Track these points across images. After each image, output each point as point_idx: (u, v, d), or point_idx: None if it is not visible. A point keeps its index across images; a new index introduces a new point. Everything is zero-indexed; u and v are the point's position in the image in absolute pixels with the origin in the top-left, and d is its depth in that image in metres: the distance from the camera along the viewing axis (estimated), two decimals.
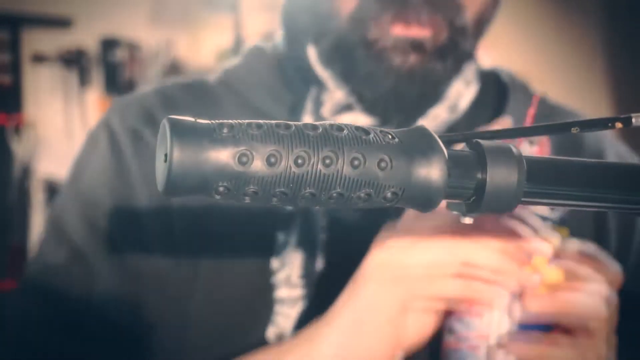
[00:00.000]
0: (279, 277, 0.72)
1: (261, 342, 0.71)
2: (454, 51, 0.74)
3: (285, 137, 0.38)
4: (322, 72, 0.76)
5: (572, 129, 0.48)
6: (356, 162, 0.39)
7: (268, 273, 0.73)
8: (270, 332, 0.72)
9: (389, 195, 0.40)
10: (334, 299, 0.69)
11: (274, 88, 0.80)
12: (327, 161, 0.38)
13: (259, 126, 0.38)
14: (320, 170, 0.38)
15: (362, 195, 0.39)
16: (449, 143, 0.43)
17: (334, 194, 0.39)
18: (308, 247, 0.73)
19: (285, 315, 0.72)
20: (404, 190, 0.40)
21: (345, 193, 0.39)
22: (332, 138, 0.39)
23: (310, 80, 0.77)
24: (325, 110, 0.76)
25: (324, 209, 0.74)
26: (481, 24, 0.77)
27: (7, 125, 2.85)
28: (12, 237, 2.83)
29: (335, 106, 0.76)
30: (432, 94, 0.76)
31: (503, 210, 0.42)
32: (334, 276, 0.71)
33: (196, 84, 0.82)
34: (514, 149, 0.42)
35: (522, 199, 0.42)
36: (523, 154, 0.42)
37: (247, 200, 0.39)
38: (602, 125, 0.48)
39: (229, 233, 0.74)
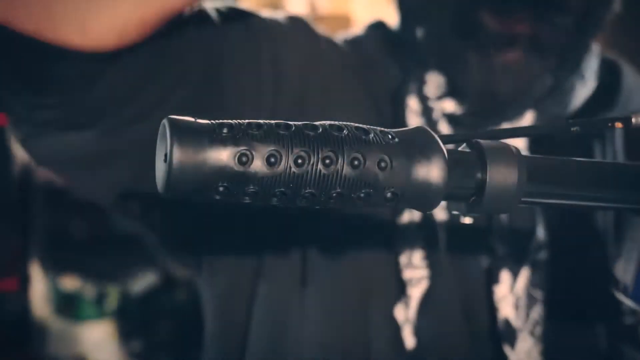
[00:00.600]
0: (402, 260, 0.73)
1: (390, 322, 0.73)
2: (554, 48, 0.73)
3: (285, 137, 0.38)
4: (427, 53, 0.77)
5: (572, 128, 0.48)
6: (356, 162, 0.39)
7: (392, 256, 0.74)
8: (399, 311, 0.73)
9: (388, 195, 0.40)
10: (461, 272, 0.72)
11: (385, 62, 0.81)
12: (327, 161, 0.38)
13: (259, 126, 0.38)
14: (320, 170, 0.38)
15: (362, 195, 0.39)
16: (449, 143, 0.43)
17: (334, 194, 0.39)
18: (428, 229, 0.74)
19: (410, 295, 0.73)
20: (403, 190, 0.40)
21: (345, 193, 0.39)
22: (332, 138, 0.39)
23: (416, 59, 0.78)
24: (429, 90, 0.77)
25: None
26: (590, 20, 0.75)
27: (7, 125, 2.84)
28: (12, 238, 2.84)
29: (438, 88, 0.77)
30: (526, 91, 0.75)
31: (503, 211, 0.42)
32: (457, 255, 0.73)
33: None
34: (513, 149, 0.42)
35: (523, 199, 0.42)
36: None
37: (247, 200, 0.39)
38: (602, 125, 0.48)
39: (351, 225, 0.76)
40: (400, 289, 0.73)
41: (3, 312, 2.22)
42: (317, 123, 0.39)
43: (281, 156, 0.38)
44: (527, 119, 0.77)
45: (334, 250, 0.75)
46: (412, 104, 0.77)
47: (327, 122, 0.40)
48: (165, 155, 0.37)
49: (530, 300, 0.74)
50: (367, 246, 0.75)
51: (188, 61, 0.69)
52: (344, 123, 0.40)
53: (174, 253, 0.87)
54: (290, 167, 0.38)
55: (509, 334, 0.73)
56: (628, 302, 0.64)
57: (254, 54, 0.74)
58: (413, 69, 0.79)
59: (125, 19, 0.60)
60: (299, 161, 0.38)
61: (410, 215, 0.75)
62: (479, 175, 0.41)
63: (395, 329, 0.73)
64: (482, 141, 0.42)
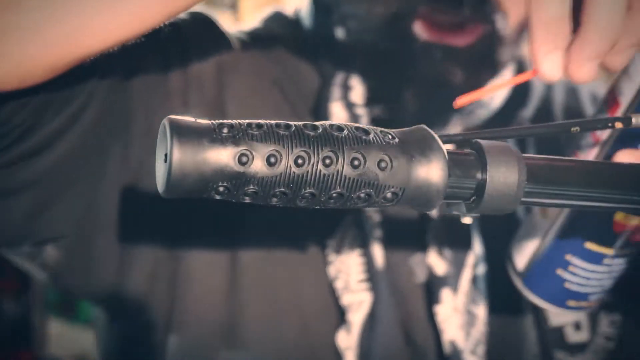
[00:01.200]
0: (339, 285, 0.71)
1: (333, 349, 0.70)
2: (491, 60, 0.72)
3: (285, 137, 0.38)
4: (351, 56, 0.73)
5: (572, 128, 0.48)
6: (356, 162, 0.39)
7: (327, 282, 0.71)
8: (340, 338, 0.70)
9: (389, 195, 0.40)
10: (400, 295, 0.69)
11: (300, 63, 0.76)
12: (327, 161, 0.38)
13: (259, 126, 0.38)
14: (320, 171, 0.38)
15: (362, 195, 0.39)
16: (449, 143, 0.43)
17: (334, 194, 0.39)
18: (363, 249, 0.71)
19: (351, 322, 0.70)
20: (404, 190, 0.40)
21: (345, 193, 0.39)
22: (332, 138, 0.39)
23: (338, 62, 0.74)
24: (355, 96, 0.73)
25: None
26: (524, 31, 0.73)
27: None
28: None
29: (365, 93, 0.73)
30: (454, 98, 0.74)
31: (504, 211, 0.42)
32: (398, 271, 0.71)
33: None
34: (514, 149, 0.42)
35: (523, 199, 0.42)
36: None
37: (247, 200, 0.39)
38: (602, 125, 0.48)
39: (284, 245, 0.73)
40: (340, 315, 0.71)
41: (3, 312, 2.22)
42: (317, 123, 0.39)
43: (281, 156, 0.38)
44: (455, 125, 0.74)
45: (268, 284, 0.72)
46: (337, 111, 0.72)
47: (328, 122, 0.40)
48: (165, 155, 0.37)
49: (471, 318, 0.72)
50: (302, 272, 0.72)
51: (92, 82, 0.62)
52: (344, 123, 0.40)
53: (67, 290, 0.82)
54: (290, 167, 0.38)
55: (455, 357, 0.70)
56: (521, 287, 0.64)
57: (162, 64, 0.69)
58: (334, 72, 0.74)
59: (33, 62, 0.52)
60: (299, 161, 0.38)
61: (341, 236, 0.72)
62: (479, 175, 0.41)
63: (338, 356, 0.70)
64: (482, 141, 0.42)
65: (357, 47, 0.72)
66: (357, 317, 0.70)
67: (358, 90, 0.73)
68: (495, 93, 0.75)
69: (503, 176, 0.41)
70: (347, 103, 0.73)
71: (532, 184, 0.42)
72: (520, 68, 0.79)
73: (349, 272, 0.71)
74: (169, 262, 0.71)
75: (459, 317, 0.71)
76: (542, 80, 0.45)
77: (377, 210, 0.72)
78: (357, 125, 0.40)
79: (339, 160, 0.38)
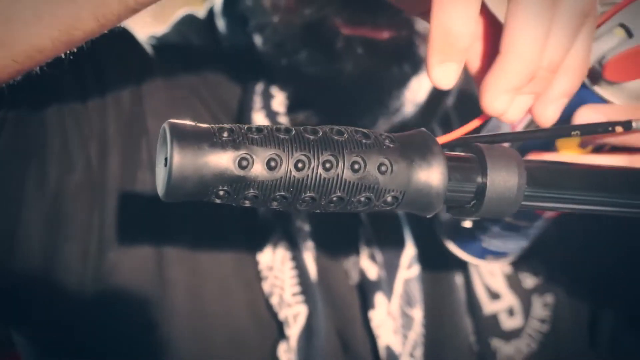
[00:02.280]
0: (273, 300, 0.70)
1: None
2: (412, 56, 0.71)
3: (285, 141, 0.38)
4: (271, 64, 0.72)
5: (572, 132, 0.48)
6: (356, 166, 0.39)
7: (263, 297, 0.70)
8: (280, 352, 0.70)
9: (389, 199, 0.40)
10: (336, 302, 0.68)
11: (216, 72, 0.74)
12: (328, 165, 0.38)
13: (259, 130, 0.38)
14: (320, 175, 0.38)
15: (363, 199, 0.39)
16: (449, 147, 0.43)
17: (334, 198, 0.39)
18: (295, 260, 0.71)
19: (289, 335, 0.69)
20: (404, 194, 0.40)
21: (346, 197, 0.39)
22: (332, 142, 0.39)
23: (257, 70, 0.73)
24: (277, 105, 0.72)
25: (305, 216, 0.72)
26: None
27: None
28: None
29: (287, 101, 0.72)
30: (386, 102, 0.72)
31: (504, 214, 0.42)
32: (330, 279, 0.70)
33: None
34: (514, 153, 0.42)
35: (523, 203, 0.42)
36: None
37: (247, 204, 0.39)
38: (603, 129, 0.48)
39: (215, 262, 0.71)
40: (279, 330, 0.70)
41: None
42: (317, 127, 0.39)
43: (281, 160, 0.38)
44: (383, 124, 0.73)
45: (197, 299, 0.70)
46: (259, 120, 0.72)
47: (327, 126, 0.40)
48: (165, 159, 0.37)
49: (407, 321, 0.72)
50: (234, 286, 0.71)
51: (2, 111, 0.61)
52: (344, 127, 0.40)
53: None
54: (290, 171, 0.38)
55: None
56: (445, 240, 0.64)
57: (78, 82, 0.68)
58: (254, 81, 0.73)
59: None
60: (299, 165, 0.38)
61: (272, 249, 0.71)
62: (479, 179, 0.41)
63: None
64: (482, 145, 0.42)
65: (276, 55, 0.71)
66: (294, 331, 0.69)
67: (279, 98, 0.72)
68: (423, 84, 0.74)
69: (503, 180, 0.41)
70: (269, 112, 0.72)
71: (532, 187, 0.42)
72: None
73: (282, 287, 0.70)
74: (95, 284, 0.69)
75: (393, 321, 0.70)
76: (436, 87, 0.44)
77: (307, 220, 0.71)
78: (357, 129, 0.40)
79: (339, 164, 0.38)
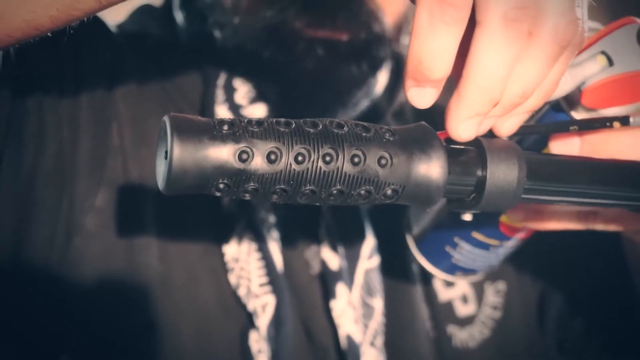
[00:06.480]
0: (241, 292, 0.70)
1: (239, 354, 0.69)
2: (370, 56, 0.72)
3: (285, 134, 0.38)
4: (232, 59, 0.72)
5: (571, 127, 0.48)
6: (356, 160, 0.39)
7: (230, 289, 0.70)
8: (252, 342, 0.70)
9: (389, 192, 0.40)
10: (299, 292, 0.69)
11: (177, 64, 0.74)
12: (328, 158, 0.38)
13: (259, 123, 0.38)
14: (320, 168, 0.38)
15: (362, 192, 0.39)
16: (449, 140, 0.43)
17: (334, 191, 0.39)
18: (261, 251, 0.71)
19: (259, 326, 0.70)
20: (404, 187, 0.40)
21: (346, 190, 0.39)
22: (332, 135, 0.39)
23: (219, 63, 0.73)
24: (240, 98, 0.72)
25: (269, 207, 0.72)
26: (403, 28, 0.74)
27: None
28: None
29: (248, 94, 0.73)
30: (345, 98, 0.73)
31: (504, 208, 0.42)
32: (297, 270, 0.71)
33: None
34: (514, 146, 0.42)
35: (523, 196, 0.42)
36: None
37: (247, 197, 0.39)
38: (600, 125, 0.48)
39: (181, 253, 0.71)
40: (249, 320, 0.70)
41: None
42: (317, 120, 0.39)
43: (281, 153, 0.38)
44: (342, 118, 0.74)
45: (164, 286, 0.70)
46: (223, 114, 0.72)
47: (327, 119, 0.40)
48: (166, 152, 0.37)
49: (367, 311, 0.72)
50: (200, 275, 0.71)
51: None
52: (344, 120, 0.40)
53: None
54: (290, 165, 0.38)
55: (352, 351, 0.70)
56: (415, 251, 0.65)
57: (55, 66, 0.68)
58: (216, 74, 0.73)
59: None
60: (299, 158, 0.38)
61: (237, 241, 0.71)
62: (479, 172, 0.41)
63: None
64: (482, 138, 0.42)
65: (236, 49, 0.72)
66: (263, 321, 0.69)
67: (242, 91, 0.73)
68: (379, 79, 0.75)
69: (503, 173, 0.41)
70: (232, 105, 0.72)
71: (532, 180, 0.42)
72: (399, 64, 0.79)
73: (250, 278, 0.70)
74: (60, 269, 0.68)
75: (354, 311, 0.71)
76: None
77: (271, 211, 0.72)
78: (357, 122, 0.40)
79: (339, 158, 0.38)
